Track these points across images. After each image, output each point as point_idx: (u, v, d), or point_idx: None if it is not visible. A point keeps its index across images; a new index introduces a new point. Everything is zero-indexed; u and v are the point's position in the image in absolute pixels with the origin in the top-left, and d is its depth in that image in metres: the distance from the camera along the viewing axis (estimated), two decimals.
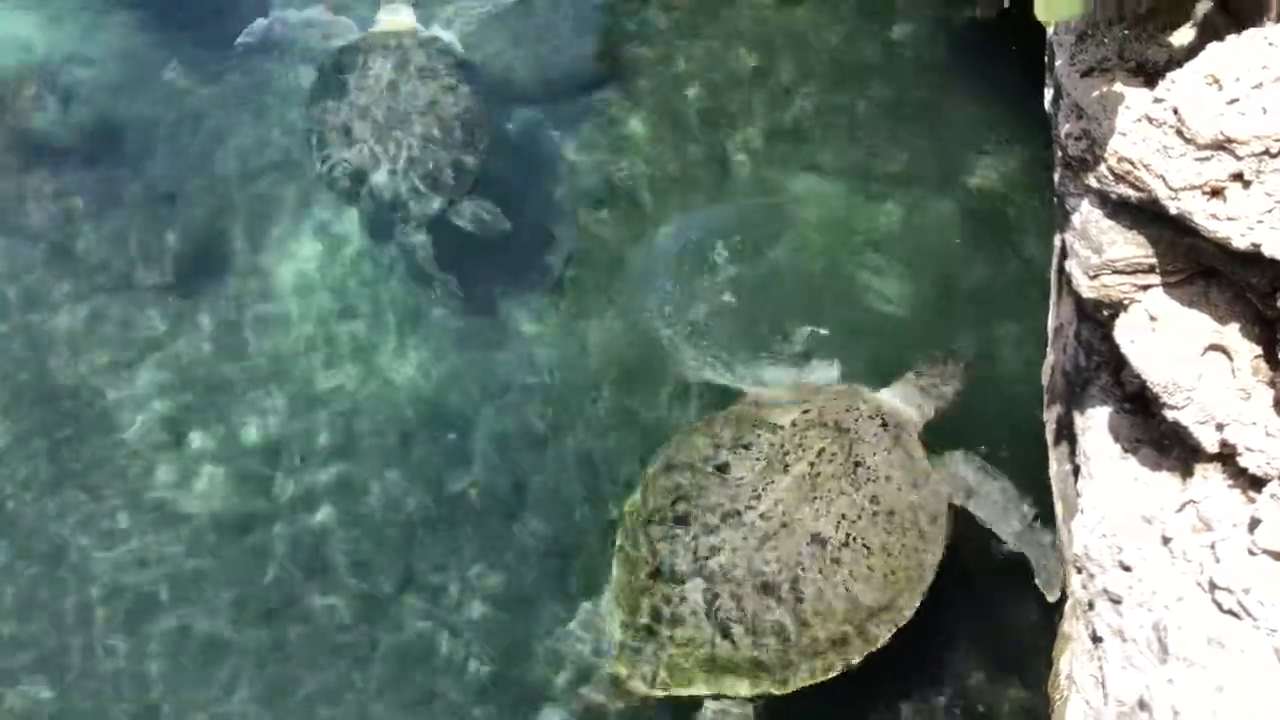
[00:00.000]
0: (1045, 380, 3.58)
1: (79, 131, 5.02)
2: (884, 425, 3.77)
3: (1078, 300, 2.97)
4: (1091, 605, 2.64)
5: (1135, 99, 2.44)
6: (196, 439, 4.40)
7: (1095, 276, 2.65)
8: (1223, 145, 2.20)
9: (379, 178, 4.52)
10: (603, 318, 4.65)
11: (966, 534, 3.70)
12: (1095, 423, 2.96)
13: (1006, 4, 5.16)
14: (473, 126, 4.68)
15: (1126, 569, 2.54)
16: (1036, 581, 3.62)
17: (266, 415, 4.44)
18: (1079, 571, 2.75)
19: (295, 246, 4.81)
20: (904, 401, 3.95)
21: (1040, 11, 2.37)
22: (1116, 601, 2.53)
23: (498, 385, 4.52)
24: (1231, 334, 2.47)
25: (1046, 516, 3.60)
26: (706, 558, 3.50)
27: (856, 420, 3.76)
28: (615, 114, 5.16)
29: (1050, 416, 3.51)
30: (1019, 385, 4.05)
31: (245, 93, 5.18)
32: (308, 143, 4.72)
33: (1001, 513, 3.70)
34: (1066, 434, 3.30)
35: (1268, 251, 2.19)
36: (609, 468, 4.24)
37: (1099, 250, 2.62)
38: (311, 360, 4.57)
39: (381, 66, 4.69)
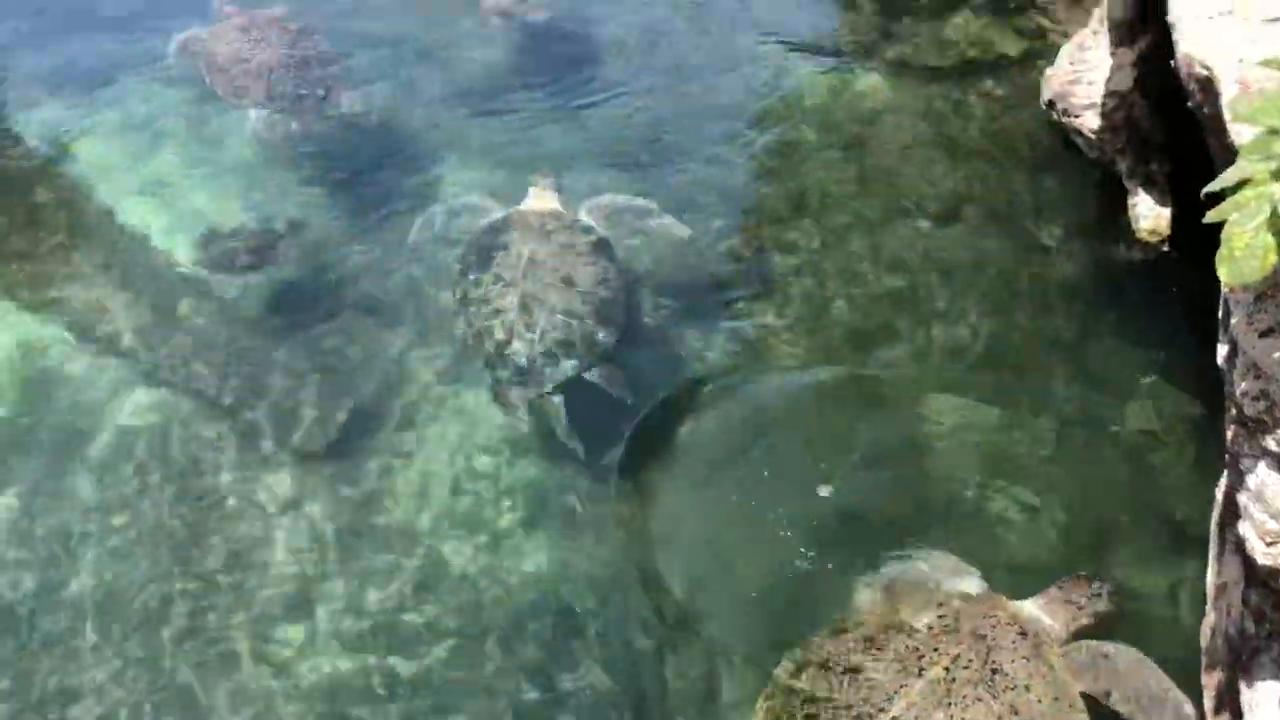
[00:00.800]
0: (1204, 642, 3.37)
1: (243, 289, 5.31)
2: (1023, 634, 3.61)
3: (1247, 563, 2.82)
4: None
5: None
6: (322, 602, 4.44)
7: (1273, 544, 2.53)
8: None
9: (518, 346, 4.68)
10: (727, 513, 4.58)
11: None
12: (1266, 699, 2.76)
13: (1166, 247, 5.20)
14: (608, 304, 4.86)
15: None
16: None
17: (390, 585, 4.46)
18: None
19: (438, 415, 4.92)
20: (1046, 614, 3.80)
21: (1224, 274, 2.35)
22: None
23: (622, 574, 4.46)
24: None
25: None
26: None
27: (994, 627, 3.62)
28: (754, 318, 5.22)
29: (1209, 683, 3.29)
30: (1169, 640, 3.82)
31: (405, 266, 5.41)
32: (455, 313, 4.95)
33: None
34: (1229, 706, 3.08)
35: None
36: (736, 671, 4.10)
37: (1278, 516, 2.50)
38: (441, 532, 4.60)
39: (525, 242, 4.95)
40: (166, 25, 6.57)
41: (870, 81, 6.37)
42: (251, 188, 5.78)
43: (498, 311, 4.77)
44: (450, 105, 6.29)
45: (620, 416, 4.80)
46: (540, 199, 5.34)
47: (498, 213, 5.25)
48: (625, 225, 5.31)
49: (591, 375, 4.76)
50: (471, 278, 4.93)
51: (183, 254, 5.41)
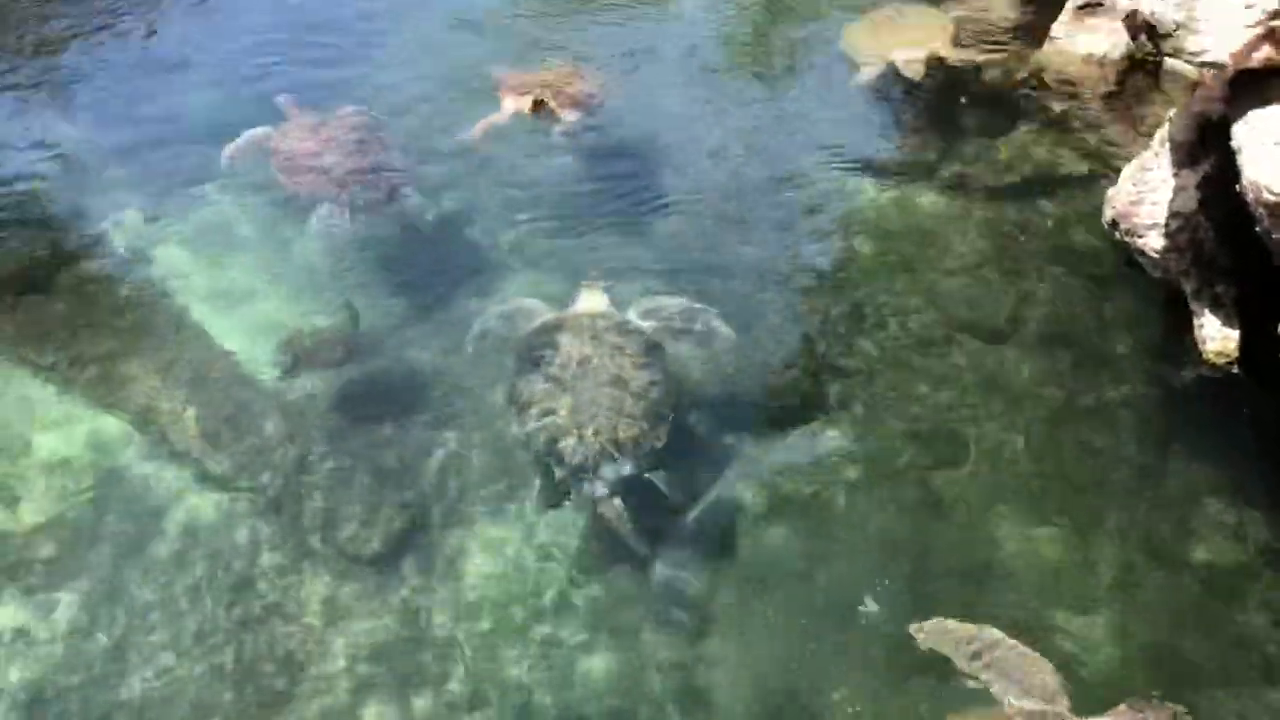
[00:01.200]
0: None
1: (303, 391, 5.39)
2: None
3: None
4: None
5: None
6: (372, 710, 4.39)
7: None
8: None
9: (571, 447, 4.68)
10: (782, 625, 4.50)
11: None
12: None
13: (1235, 369, 5.12)
14: (660, 405, 4.87)
15: None
16: None
17: (442, 694, 4.41)
18: None
19: (492, 518, 4.91)
20: None
21: None
22: None
23: (680, 686, 4.38)
24: None
25: None
26: None
27: None
28: (809, 429, 5.18)
29: None
30: None
31: (460, 368, 5.47)
32: (508, 415, 4.98)
33: None
34: None
35: None
36: None
37: None
38: (494, 639, 4.55)
39: (576, 344, 5.00)
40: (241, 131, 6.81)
41: (929, 199, 6.41)
42: (315, 290, 5.89)
43: (550, 412, 4.78)
44: (510, 211, 6.40)
45: (673, 520, 4.80)
46: (591, 301, 5.40)
47: (549, 315, 5.31)
48: (675, 327, 5.35)
49: (645, 476, 4.75)
50: (523, 380, 4.96)
51: (246, 356, 5.52)
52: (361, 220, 6.02)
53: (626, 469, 4.70)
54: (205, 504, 4.88)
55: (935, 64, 7.19)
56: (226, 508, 4.88)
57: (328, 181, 6.04)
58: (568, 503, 4.80)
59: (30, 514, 4.83)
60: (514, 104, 6.65)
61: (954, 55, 7.29)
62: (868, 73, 7.25)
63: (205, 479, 4.97)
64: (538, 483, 4.90)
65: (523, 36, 8.10)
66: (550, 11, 8.44)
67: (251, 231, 6.27)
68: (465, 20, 8.29)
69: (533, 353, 5.05)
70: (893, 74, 7.17)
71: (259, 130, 6.50)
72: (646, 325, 5.26)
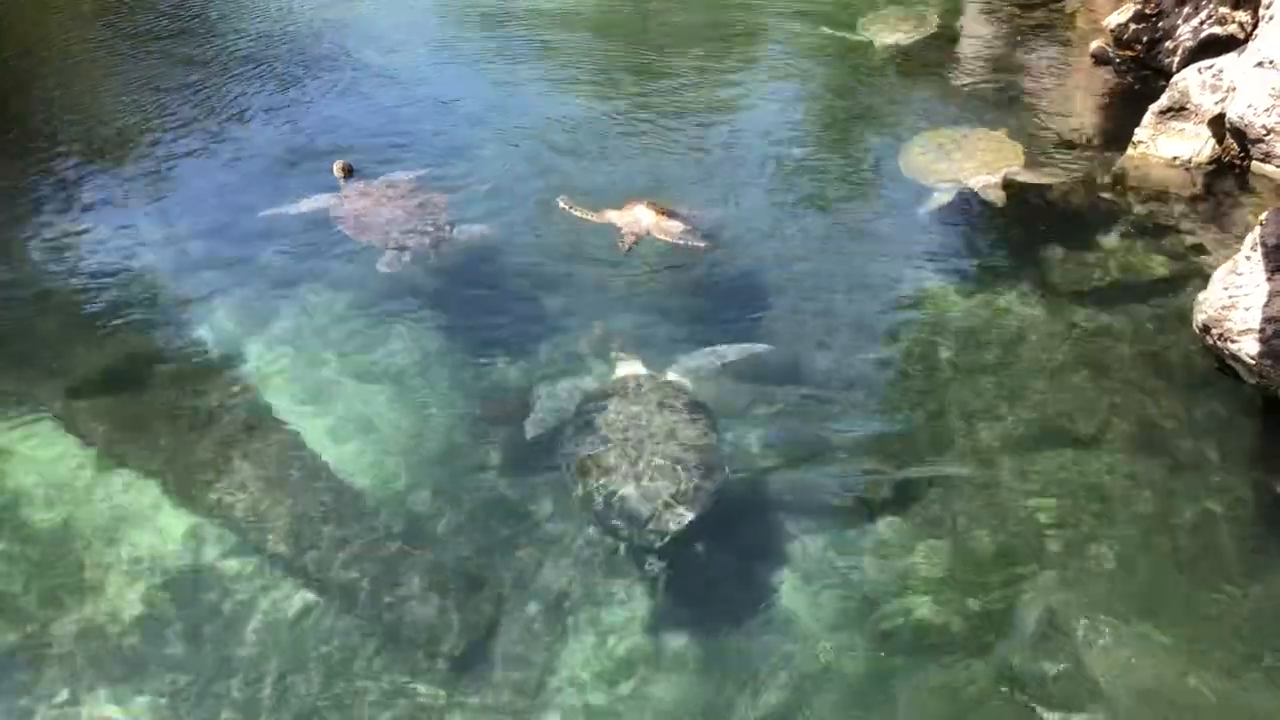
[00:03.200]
0: None
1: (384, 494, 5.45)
2: None
3: None
4: None
5: None
6: None
7: None
8: None
9: (632, 498, 4.79)
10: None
11: None
12: None
13: None
14: (711, 451, 5.02)
15: None
16: None
17: None
18: None
19: (576, 616, 4.84)
20: None
21: None
22: None
23: None
24: None
25: None
26: None
27: None
28: (895, 536, 5.07)
29: None
30: None
31: (528, 458, 5.47)
32: (567, 479, 5.08)
33: None
34: None
35: None
36: None
37: None
38: None
39: (623, 404, 5.21)
40: (320, 237, 7.10)
41: (1015, 304, 6.36)
42: (398, 387, 5.99)
43: (608, 471, 4.90)
44: (583, 298, 6.48)
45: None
46: (628, 367, 5.61)
47: (593, 386, 5.53)
48: (713, 378, 5.62)
49: (700, 536, 4.82)
50: (578, 446, 5.09)
51: (331, 455, 5.61)
52: (421, 262, 6.66)
53: (689, 516, 4.75)
54: (291, 603, 4.90)
55: (1013, 185, 7.10)
56: (313, 608, 4.90)
57: (384, 227, 6.85)
58: (627, 556, 4.87)
59: (117, 608, 4.90)
60: (620, 220, 6.67)
61: (1030, 175, 7.17)
62: (940, 198, 7.10)
63: (291, 579, 5.01)
64: (607, 541, 4.93)
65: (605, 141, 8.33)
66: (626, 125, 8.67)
67: (337, 328, 6.42)
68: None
69: (583, 419, 5.22)
70: (968, 197, 7.13)
71: (321, 196, 7.26)
72: (687, 383, 5.46)
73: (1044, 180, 7.14)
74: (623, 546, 4.89)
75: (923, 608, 4.73)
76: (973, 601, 4.73)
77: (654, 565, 4.89)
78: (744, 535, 5.06)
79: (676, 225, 6.41)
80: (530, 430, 5.49)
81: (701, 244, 6.33)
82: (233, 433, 5.72)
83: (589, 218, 6.49)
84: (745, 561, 4.99)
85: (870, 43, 9.49)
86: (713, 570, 4.96)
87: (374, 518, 5.28)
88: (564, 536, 5.12)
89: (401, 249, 6.69)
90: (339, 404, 5.91)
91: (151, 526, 5.25)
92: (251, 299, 6.62)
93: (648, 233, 6.31)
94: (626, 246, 6.21)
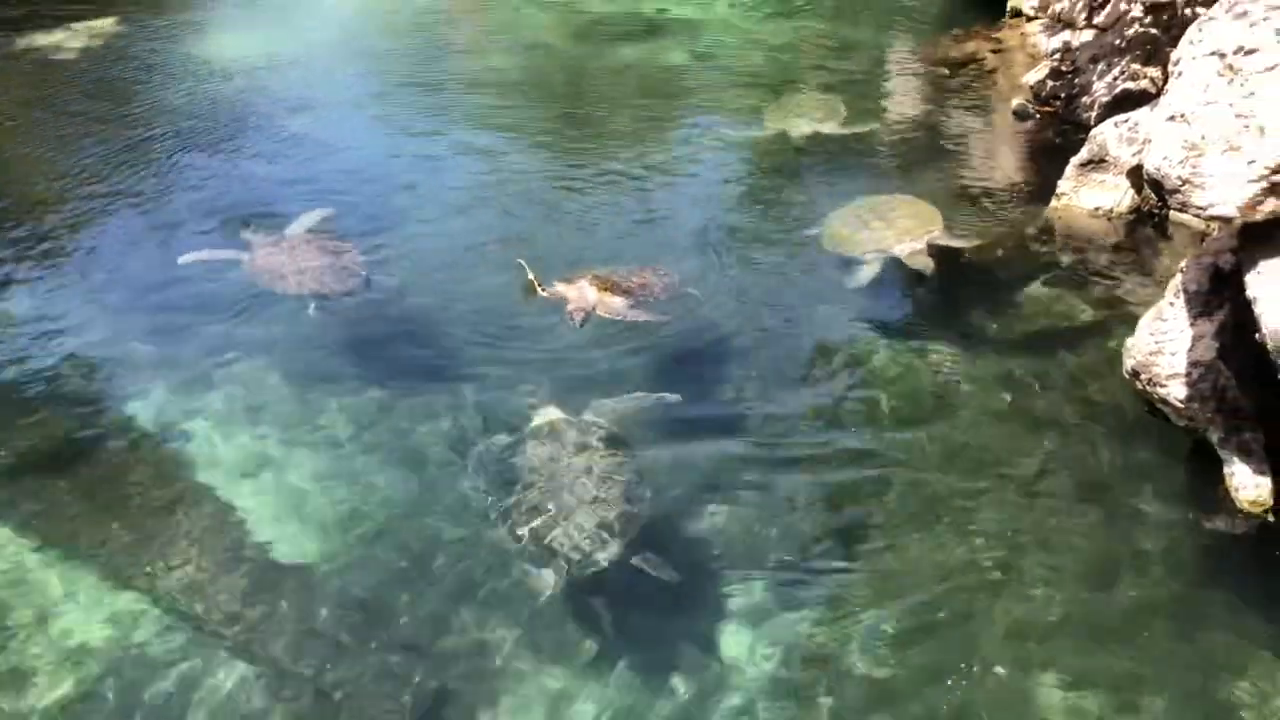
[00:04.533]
0: None
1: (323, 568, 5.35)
2: None
3: None
4: None
5: None
6: None
7: None
8: None
9: (559, 536, 4.85)
10: None
11: None
12: None
13: (1271, 517, 5.05)
14: (632, 483, 5.12)
15: None
16: None
17: None
18: None
19: (523, 674, 4.76)
20: None
21: None
22: None
23: None
24: None
25: None
26: None
27: None
28: (837, 585, 5.07)
29: None
30: None
31: (461, 516, 5.48)
32: (500, 530, 5.09)
33: None
34: None
35: None
36: None
37: None
38: None
39: (541, 448, 5.32)
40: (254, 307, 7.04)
41: (947, 354, 6.46)
42: (335, 456, 5.90)
43: (534, 513, 4.96)
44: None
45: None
46: (545, 416, 5.66)
47: (509, 438, 5.58)
48: (631, 418, 5.68)
49: (634, 560, 4.88)
50: (506, 497, 5.14)
51: (267, 530, 5.50)
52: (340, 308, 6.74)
53: (618, 549, 4.84)
54: (225, 682, 4.77)
55: (939, 250, 7.06)
56: (251, 685, 4.77)
57: (306, 274, 6.80)
58: (566, 591, 4.88)
59: (46, 695, 4.73)
60: (565, 290, 6.52)
61: (952, 239, 7.15)
62: (867, 270, 6.97)
63: (229, 656, 4.88)
64: (541, 577, 4.89)
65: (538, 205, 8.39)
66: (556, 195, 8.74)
67: (263, 393, 6.33)
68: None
69: (505, 468, 5.30)
70: (894, 264, 7.05)
71: (225, 251, 7.24)
72: (603, 422, 5.54)
73: (965, 243, 7.21)
74: (560, 591, 4.84)
75: (863, 659, 4.73)
76: (914, 651, 4.74)
77: (595, 607, 4.95)
78: (678, 574, 4.99)
79: (620, 302, 6.39)
80: (467, 485, 5.53)
81: (642, 319, 6.33)
82: (165, 512, 5.59)
83: (540, 290, 6.44)
84: (680, 604, 5.00)
85: (784, 132, 9.30)
86: (651, 613, 4.98)
87: (311, 591, 5.17)
88: (501, 590, 5.09)
89: (320, 296, 6.68)
90: (270, 473, 5.82)
91: (81, 609, 5.09)
92: (175, 367, 6.52)
93: (594, 308, 6.28)
94: (578, 323, 6.19)
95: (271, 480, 5.79)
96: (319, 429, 6.09)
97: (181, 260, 7.17)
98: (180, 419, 6.17)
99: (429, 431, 6.04)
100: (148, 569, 5.27)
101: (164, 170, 9.04)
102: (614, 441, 5.36)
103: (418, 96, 10.72)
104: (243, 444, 6.03)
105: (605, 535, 4.86)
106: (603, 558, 4.81)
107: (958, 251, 7.24)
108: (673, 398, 5.79)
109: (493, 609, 5.02)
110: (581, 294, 6.36)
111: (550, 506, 4.98)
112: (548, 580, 4.84)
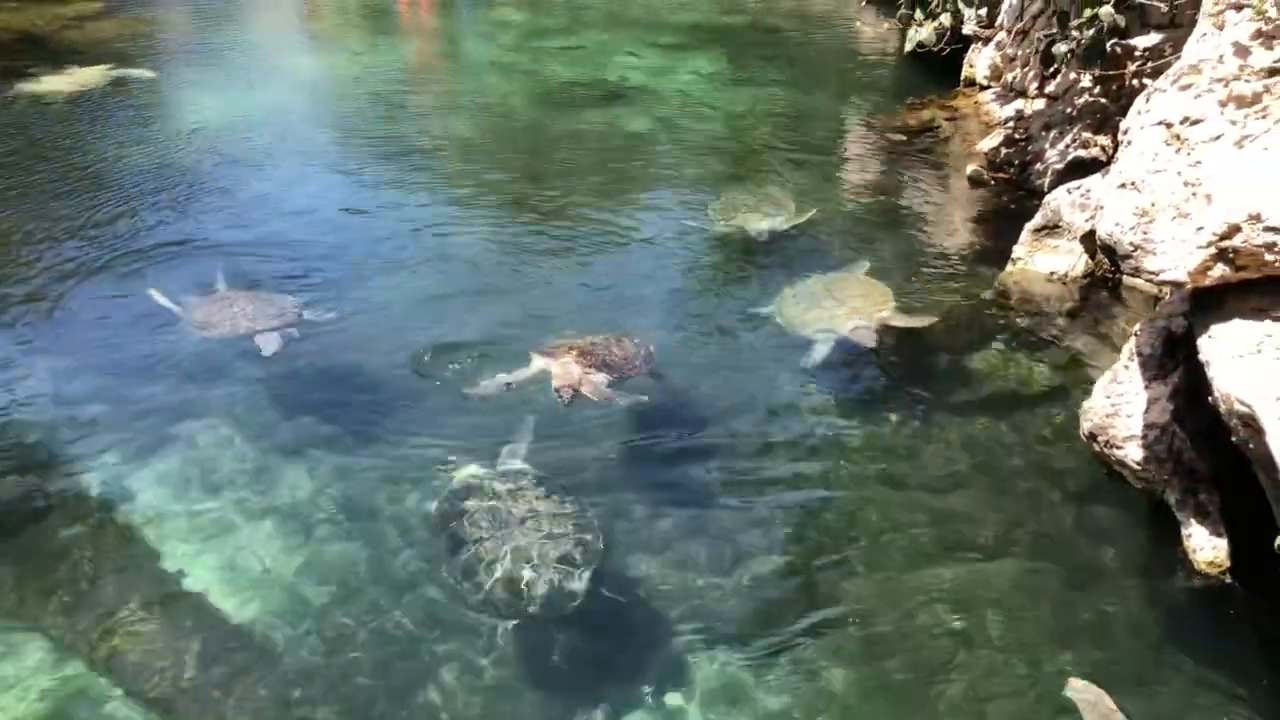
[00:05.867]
0: None
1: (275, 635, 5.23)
2: None
3: None
4: None
5: None
6: None
7: None
8: None
9: (528, 577, 4.85)
10: None
11: None
12: None
13: (1228, 578, 5.08)
14: (575, 517, 5.19)
15: None
16: None
17: None
18: None
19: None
20: None
21: None
22: None
23: None
24: None
25: None
26: None
27: None
28: (805, 652, 5.01)
29: None
30: None
31: (418, 579, 5.42)
32: (462, 588, 5.02)
33: None
34: None
35: None
36: None
37: None
38: None
39: (476, 500, 5.33)
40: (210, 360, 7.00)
41: (906, 420, 6.47)
42: (291, 519, 5.79)
43: (493, 563, 4.94)
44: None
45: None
46: (465, 471, 5.69)
47: (443, 496, 5.56)
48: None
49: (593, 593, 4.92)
50: (453, 553, 5.13)
51: (221, 597, 5.37)
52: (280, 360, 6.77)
53: (588, 574, 4.90)
54: None
55: (889, 326, 7.04)
56: None
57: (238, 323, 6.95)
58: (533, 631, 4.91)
59: None
60: (548, 364, 6.36)
61: (904, 319, 7.10)
62: (820, 349, 6.89)
63: None
64: (516, 634, 4.93)
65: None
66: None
67: (229, 464, 6.22)
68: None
69: (447, 528, 5.27)
70: (845, 343, 6.97)
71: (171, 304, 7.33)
72: (526, 467, 5.67)
73: (916, 322, 7.16)
74: (531, 634, 4.88)
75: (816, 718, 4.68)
76: (869, 712, 4.68)
77: (566, 643, 4.95)
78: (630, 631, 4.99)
79: (603, 380, 6.26)
80: (415, 549, 5.55)
81: (625, 403, 6.21)
82: (115, 581, 5.44)
83: (509, 381, 6.31)
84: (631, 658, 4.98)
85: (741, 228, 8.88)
86: (612, 669, 4.94)
87: (269, 663, 5.04)
88: (467, 651, 5.02)
89: (258, 333, 6.77)
90: (230, 541, 5.69)
91: (22, 687, 4.92)
92: (142, 441, 6.39)
93: (580, 384, 6.18)
94: (565, 400, 6.09)
95: (225, 544, 5.65)
96: (264, 486, 6.00)
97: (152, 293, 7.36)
98: (124, 486, 6.01)
99: (369, 494, 5.96)
100: (94, 641, 5.11)
101: (117, 230, 8.97)
102: (543, 482, 5.46)
103: (377, 160, 10.76)
104: (196, 509, 5.89)
105: (570, 567, 4.89)
106: (578, 586, 4.83)
107: (913, 332, 7.25)
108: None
109: (458, 673, 4.92)
110: (566, 371, 6.22)
111: (506, 552, 4.97)
112: (527, 618, 4.87)
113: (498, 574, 4.91)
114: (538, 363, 6.36)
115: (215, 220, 9.21)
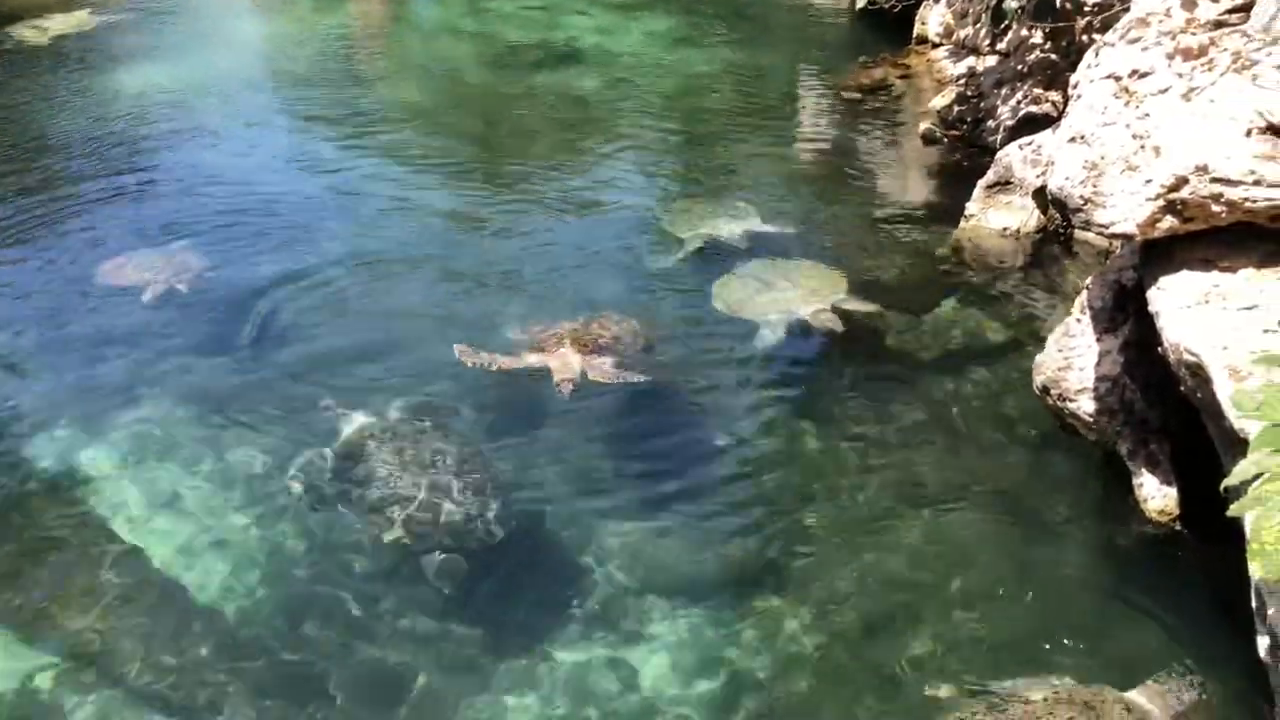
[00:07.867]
0: None
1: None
2: (1129, 710, 4.14)
3: None
4: None
5: None
6: None
7: None
8: None
9: (450, 509, 4.98)
10: None
11: None
12: None
13: (1178, 526, 5.17)
14: (475, 454, 5.38)
15: None
16: None
17: None
18: None
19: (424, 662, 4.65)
20: (1147, 700, 4.27)
21: (1259, 569, 2.31)
22: None
23: None
24: None
25: None
26: None
27: (1103, 703, 4.16)
28: (762, 607, 5.05)
29: None
30: None
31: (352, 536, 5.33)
32: (380, 528, 5.07)
33: None
34: None
35: None
36: None
37: None
38: None
39: (379, 444, 5.44)
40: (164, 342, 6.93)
41: (861, 375, 6.53)
42: (248, 493, 5.72)
43: (407, 500, 5.04)
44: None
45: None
46: (355, 420, 5.79)
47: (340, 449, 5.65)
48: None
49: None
50: (365, 492, 5.21)
51: (177, 574, 5.31)
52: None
53: (499, 505, 5.04)
54: None
55: (844, 312, 6.96)
56: None
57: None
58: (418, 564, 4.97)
59: None
60: (544, 359, 6.21)
61: (857, 303, 7.02)
62: (772, 333, 6.79)
63: (140, 706, 4.69)
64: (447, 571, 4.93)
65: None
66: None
67: (183, 437, 6.13)
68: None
69: (356, 475, 5.34)
70: (800, 328, 6.92)
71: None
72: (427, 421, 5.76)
73: (870, 308, 7.05)
74: (460, 592, 4.91)
75: (781, 673, 4.71)
76: (831, 666, 4.74)
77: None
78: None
79: (607, 361, 6.15)
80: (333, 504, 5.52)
81: (638, 380, 6.05)
82: (71, 558, 5.36)
83: (502, 365, 6.10)
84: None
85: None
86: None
87: (228, 637, 5.00)
88: (400, 596, 5.04)
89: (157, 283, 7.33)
90: (187, 516, 5.61)
91: None
92: (94, 415, 6.28)
93: (582, 374, 6.03)
94: (567, 394, 5.90)
95: (181, 520, 5.58)
96: (235, 465, 5.92)
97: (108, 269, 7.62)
98: (87, 459, 5.96)
99: (288, 459, 5.86)
100: (51, 620, 5.04)
101: (63, 202, 8.78)
102: (442, 427, 5.60)
103: (326, 125, 10.60)
104: (151, 483, 5.81)
105: (485, 496, 5.04)
106: (491, 514, 4.96)
107: (870, 285, 7.27)
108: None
109: (400, 626, 4.92)
110: (565, 362, 6.09)
111: (426, 487, 5.05)
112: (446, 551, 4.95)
113: (410, 511, 5.00)
114: (533, 359, 6.20)
115: (157, 188, 9.09)
